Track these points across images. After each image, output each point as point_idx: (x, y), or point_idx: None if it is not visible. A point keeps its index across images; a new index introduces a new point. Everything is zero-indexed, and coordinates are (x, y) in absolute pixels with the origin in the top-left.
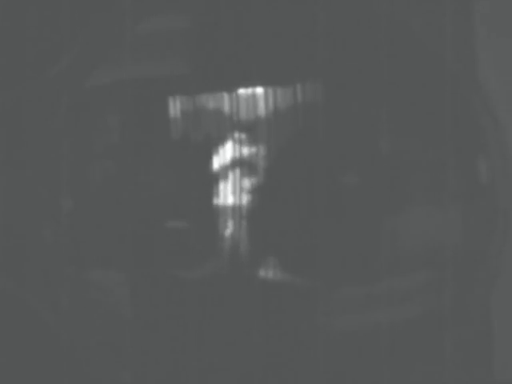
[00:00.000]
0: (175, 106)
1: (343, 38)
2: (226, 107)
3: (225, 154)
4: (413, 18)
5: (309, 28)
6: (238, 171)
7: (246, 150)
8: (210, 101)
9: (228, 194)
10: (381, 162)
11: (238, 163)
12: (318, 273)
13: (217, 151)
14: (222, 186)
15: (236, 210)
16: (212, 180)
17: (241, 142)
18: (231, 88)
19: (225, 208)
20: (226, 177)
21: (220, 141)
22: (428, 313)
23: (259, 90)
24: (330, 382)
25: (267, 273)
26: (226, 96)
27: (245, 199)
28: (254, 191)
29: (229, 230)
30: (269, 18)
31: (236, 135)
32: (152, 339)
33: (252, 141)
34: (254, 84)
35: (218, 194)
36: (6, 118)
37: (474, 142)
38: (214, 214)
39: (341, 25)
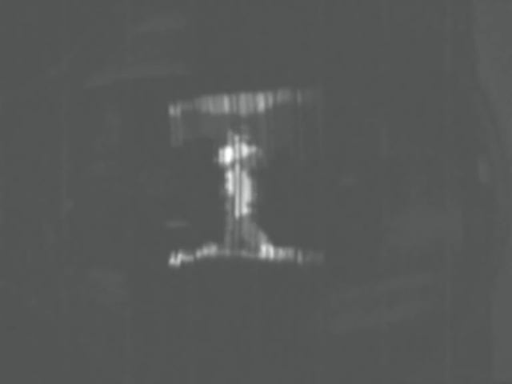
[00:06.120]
0: (175, 107)
1: (343, 38)
2: (226, 108)
3: (224, 154)
4: (413, 19)
5: (308, 29)
6: (237, 170)
7: (245, 150)
8: (209, 101)
9: (228, 193)
10: (381, 162)
11: (237, 163)
12: (317, 273)
13: (216, 151)
14: (221, 184)
15: (236, 206)
16: (211, 179)
17: (240, 143)
18: (231, 89)
19: (225, 205)
20: (225, 176)
21: (220, 140)
22: (428, 313)
23: (259, 92)
24: (329, 381)
25: (267, 264)
26: (225, 97)
27: (245, 198)
28: (254, 190)
29: (229, 227)
30: (269, 19)
31: (236, 136)
32: (152, 339)
33: (252, 141)
34: (254, 85)
35: (218, 193)
36: (6, 118)
37: (474, 142)
38: (215, 211)
39: (341, 25)
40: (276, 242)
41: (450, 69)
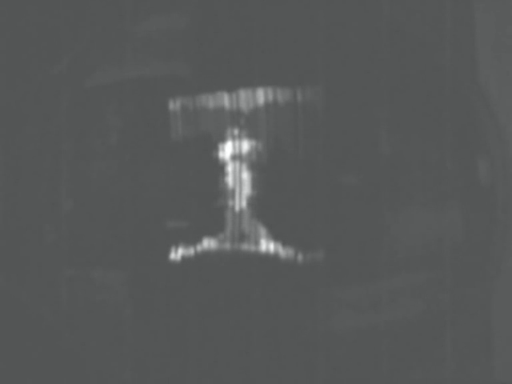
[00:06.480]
0: (175, 106)
1: (344, 38)
2: (226, 106)
3: (224, 149)
4: (413, 19)
5: (309, 28)
6: (237, 165)
7: (245, 148)
8: (209, 100)
9: (228, 187)
10: (381, 162)
11: (237, 161)
12: (317, 273)
13: (216, 146)
14: (222, 179)
15: (236, 201)
16: (212, 174)
17: (240, 138)
18: (231, 87)
19: (225, 199)
20: (225, 171)
21: (220, 136)
22: (428, 312)
23: (259, 87)
24: (328, 379)
25: (267, 259)
26: (225, 95)
27: (245, 192)
28: (254, 185)
29: (229, 222)
30: (269, 18)
31: (236, 131)
32: (152, 338)
33: (251, 136)
34: (254, 83)
35: (218, 188)
36: (6, 118)
37: (474, 141)
38: (215, 206)
39: (341, 25)
40: (276, 236)
41: (450, 68)
